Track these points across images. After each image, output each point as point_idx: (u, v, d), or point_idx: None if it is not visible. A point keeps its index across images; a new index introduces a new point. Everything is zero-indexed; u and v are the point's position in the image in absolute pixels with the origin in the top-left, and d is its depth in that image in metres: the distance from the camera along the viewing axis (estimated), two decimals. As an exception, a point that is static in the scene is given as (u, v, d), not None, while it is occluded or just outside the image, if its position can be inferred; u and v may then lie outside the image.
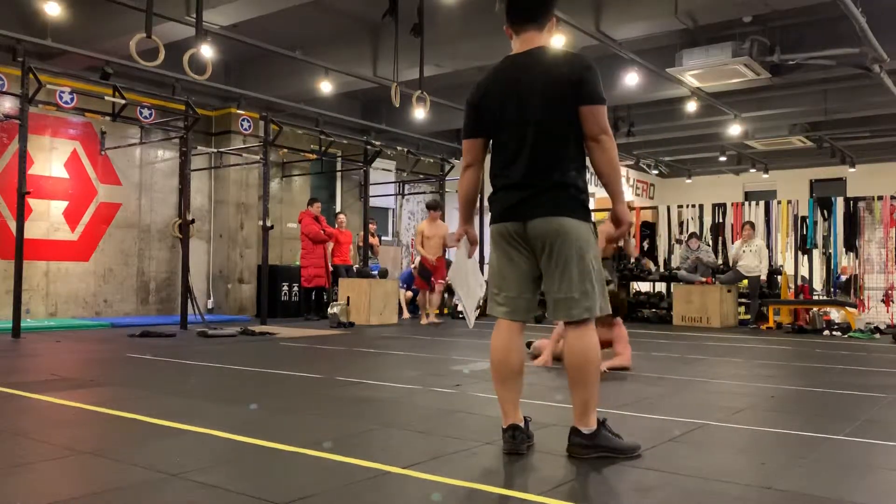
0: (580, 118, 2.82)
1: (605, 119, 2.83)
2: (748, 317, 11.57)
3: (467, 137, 3.06)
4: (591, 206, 17.09)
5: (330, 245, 11.85)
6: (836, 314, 11.06)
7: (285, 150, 11.78)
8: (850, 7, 7.64)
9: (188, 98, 9.79)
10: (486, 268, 3.43)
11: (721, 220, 13.51)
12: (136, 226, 11.44)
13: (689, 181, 19.87)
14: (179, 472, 2.63)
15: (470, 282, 3.27)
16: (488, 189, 3.07)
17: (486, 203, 3.13)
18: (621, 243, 8.50)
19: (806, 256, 12.49)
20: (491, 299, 3.03)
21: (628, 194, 19.42)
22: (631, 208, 15.13)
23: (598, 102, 2.82)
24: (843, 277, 12.22)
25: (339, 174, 14.45)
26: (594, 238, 2.94)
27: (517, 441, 2.90)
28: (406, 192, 15.02)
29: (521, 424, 2.95)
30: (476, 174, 3.06)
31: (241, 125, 11.76)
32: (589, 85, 2.81)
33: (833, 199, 12.51)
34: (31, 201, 9.53)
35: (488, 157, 3.09)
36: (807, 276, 12.44)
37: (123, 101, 9.17)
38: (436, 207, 11.09)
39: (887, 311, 11.49)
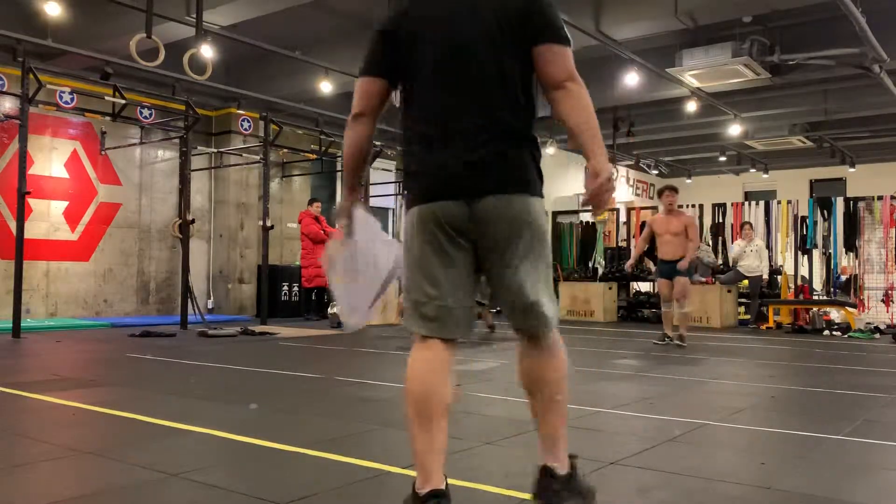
0: (537, 61, 2.10)
1: (571, 61, 2.11)
2: (748, 317, 11.57)
3: (365, 74, 2.23)
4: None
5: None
6: (836, 314, 11.05)
7: (285, 150, 11.78)
8: (850, 7, 7.64)
9: (188, 98, 9.78)
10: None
11: (721, 220, 13.52)
12: (137, 226, 11.44)
13: (689, 181, 19.87)
14: (179, 472, 2.63)
15: (364, 263, 2.33)
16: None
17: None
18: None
19: (806, 256, 12.49)
20: (413, 310, 2.18)
21: (628, 194, 19.42)
22: (631, 208, 15.14)
23: (561, 41, 2.11)
24: (843, 277, 12.23)
25: (339, 174, 14.45)
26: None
27: None
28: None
29: (444, 488, 2.06)
30: (368, 127, 2.26)
31: (241, 125, 11.77)
32: (548, 17, 2.12)
33: (833, 199, 12.51)
34: (32, 201, 9.53)
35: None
36: (807, 276, 12.44)
37: (123, 101, 9.18)
38: None
39: (887, 311, 11.49)
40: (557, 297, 12.83)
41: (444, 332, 2.15)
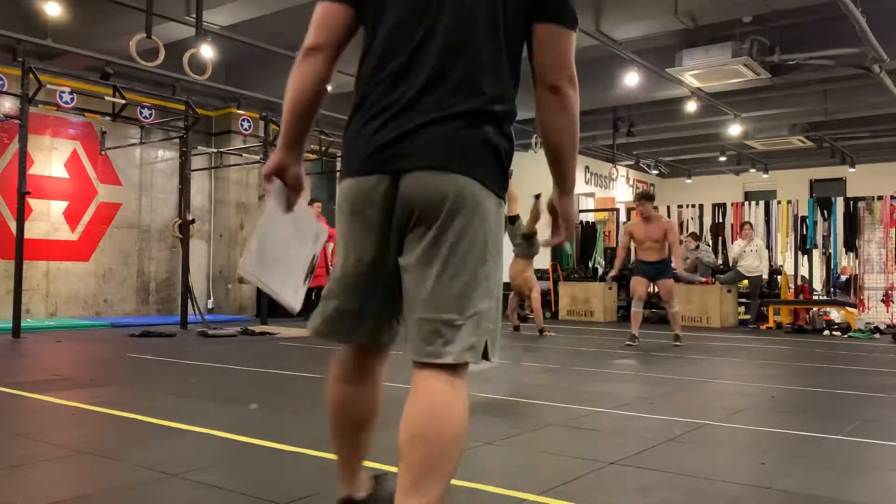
0: (534, 42, 1.67)
1: (572, 54, 1.68)
2: (748, 317, 11.58)
3: None
4: (590, 205, 17.01)
5: (330, 245, 11.86)
6: (836, 314, 11.06)
7: (285, 150, 11.77)
8: (850, 7, 7.64)
9: (188, 98, 9.79)
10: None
11: (721, 220, 13.53)
12: (137, 226, 11.44)
13: (689, 181, 19.88)
14: (179, 472, 2.63)
15: (291, 249, 1.89)
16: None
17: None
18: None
19: (806, 256, 12.50)
20: (329, 306, 1.87)
21: (628, 194, 19.41)
22: (631, 208, 15.14)
23: (568, 24, 1.67)
24: (843, 277, 12.24)
25: (338, 174, 14.46)
26: (503, 227, 1.75)
27: None
28: (406, 192, 15.00)
29: (360, 497, 2.00)
30: (324, 67, 1.78)
31: (241, 125, 11.76)
32: None
33: (833, 199, 12.53)
34: (32, 201, 9.52)
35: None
36: (807, 276, 12.45)
37: (123, 101, 9.17)
38: None
39: (887, 311, 11.50)
40: (555, 298, 12.82)
41: (367, 337, 1.84)
